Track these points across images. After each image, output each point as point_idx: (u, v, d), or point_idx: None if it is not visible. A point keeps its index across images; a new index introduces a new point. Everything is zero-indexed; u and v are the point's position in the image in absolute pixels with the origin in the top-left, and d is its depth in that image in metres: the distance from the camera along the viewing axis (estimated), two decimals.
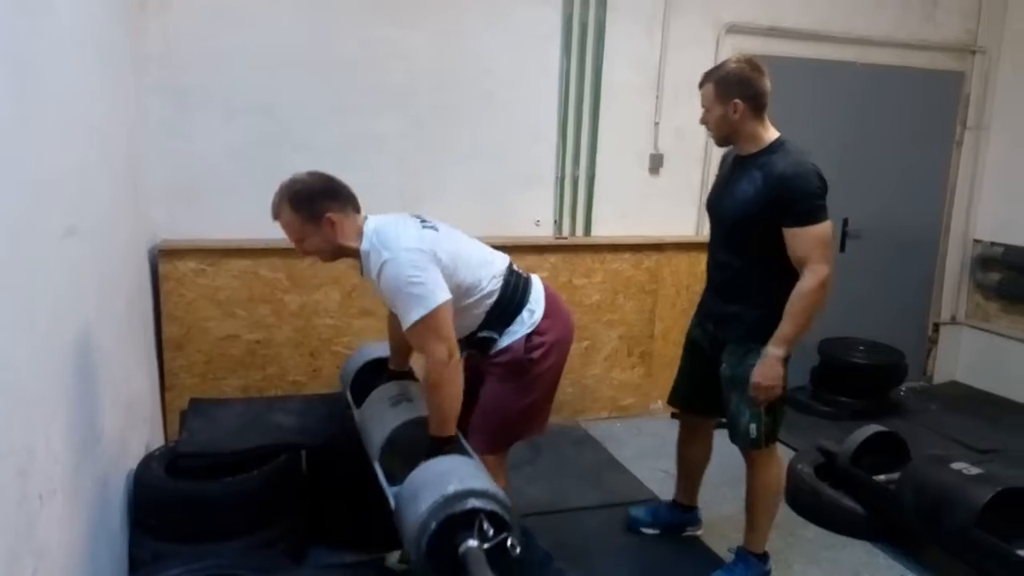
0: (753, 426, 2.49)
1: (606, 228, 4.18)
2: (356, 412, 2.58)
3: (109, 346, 2.28)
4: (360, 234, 2.17)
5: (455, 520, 1.73)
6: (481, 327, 2.29)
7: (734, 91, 2.37)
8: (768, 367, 2.38)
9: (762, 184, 2.35)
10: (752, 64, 2.41)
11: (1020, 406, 4.63)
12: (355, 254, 2.18)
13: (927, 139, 4.82)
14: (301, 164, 3.55)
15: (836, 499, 3.15)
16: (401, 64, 3.71)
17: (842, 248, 4.74)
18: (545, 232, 4.14)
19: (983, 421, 4.40)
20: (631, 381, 4.28)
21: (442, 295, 2.04)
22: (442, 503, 1.73)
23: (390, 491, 2.06)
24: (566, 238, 4.13)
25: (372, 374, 2.63)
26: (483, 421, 2.33)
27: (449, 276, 2.11)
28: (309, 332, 3.66)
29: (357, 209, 2.22)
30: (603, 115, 4.06)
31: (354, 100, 3.66)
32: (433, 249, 2.09)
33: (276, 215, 2.19)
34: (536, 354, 2.28)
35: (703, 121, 2.49)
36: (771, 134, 2.45)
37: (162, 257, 3.39)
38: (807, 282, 2.31)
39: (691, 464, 2.95)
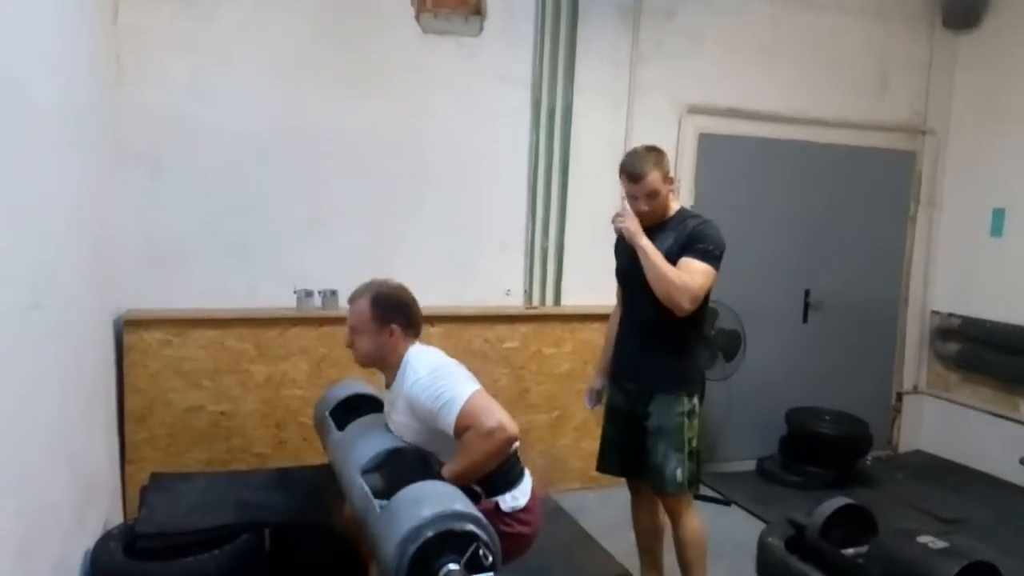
0: (679, 471, 2.64)
1: (576, 297, 4.24)
2: (335, 433, 2.52)
3: (70, 420, 2.24)
4: (403, 355, 2.28)
5: (451, 537, 1.69)
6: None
7: (668, 168, 2.69)
8: (631, 223, 2.59)
9: (674, 240, 2.63)
10: (659, 148, 2.71)
11: (983, 475, 4.69)
12: (390, 368, 2.30)
13: (883, 214, 5.00)
14: (270, 236, 3.65)
15: (805, 573, 3.13)
16: (371, 137, 3.80)
17: (804, 319, 4.85)
18: (515, 301, 4.18)
19: (948, 490, 4.44)
20: None
21: (472, 386, 2.10)
22: (446, 516, 1.70)
23: (375, 501, 1.96)
24: (536, 307, 4.18)
25: (355, 408, 2.58)
26: None
27: None
28: (276, 403, 3.61)
29: (416, 336, 2.35)
30: (572, 188, 4.16)
31: (325, 171, 3.72)
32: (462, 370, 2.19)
33: (353, 299, 2.33)
34: (503, 527, 2.11)
35: (645, 208, 2.63)
36: (677, 204, 2.76)
37: (128, 327, 3.36)
38: (685, 277, 2.55)
39: (648, 532, 2.96)
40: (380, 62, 3.78)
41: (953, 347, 4.98)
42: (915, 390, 5.20)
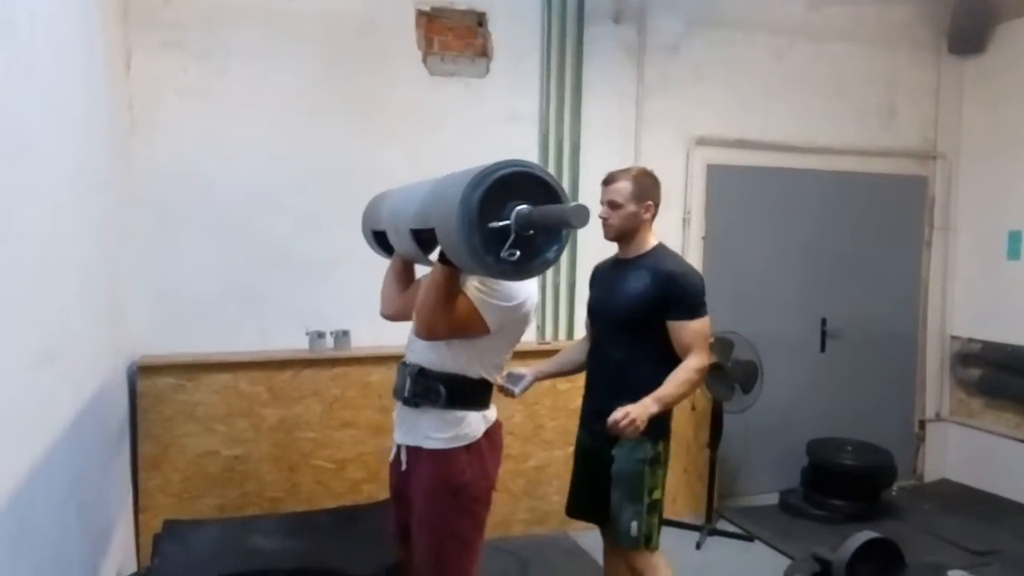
0: (634, 524, 2.47)
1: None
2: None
3: (82, 471, 2.23)
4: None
5: (514, 180, 1.64)
6: (440, 374, 2.08)
7: (649, 194, 2.54)
8: (640, 407, 2.36)
9: (651, 281, 2.49)
10: (655, 176, 2.60)
11: (1013, 504, 4.57)
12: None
13: (898, 240, 4.97)
14: (279, 278, 3.67)
15: None
16: (381, 179, 3.79)
17: (822, 348, 4.79)
18: (528, 337, 4.14)
19: (977, 521, 4.33)
20: None
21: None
22: (507, 162, 1.66)
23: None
24: (549, 343, 4.15)
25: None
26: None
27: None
28: (289, 446, 3.59)
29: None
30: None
31: (335, 214, 3.73)
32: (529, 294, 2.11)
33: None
34: (470, 475, 2.08)
35: (605, 216, 2.56)
36: (655, 239, 2.61)
37: (141, 373, 3.36)
38: (694, 361, 2.45)
39: None
40: (388, 105, 3.83)
41: (975, 372, 4.90)
42: (938, 417, 5.10)
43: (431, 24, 3.90)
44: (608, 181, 2.57)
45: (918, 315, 5.04)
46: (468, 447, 2.07)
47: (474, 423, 2.09)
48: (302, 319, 3.68)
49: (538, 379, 2.80)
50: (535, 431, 4.03)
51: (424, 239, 1.98)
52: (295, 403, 3.60)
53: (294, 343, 3.66)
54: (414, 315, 2.03)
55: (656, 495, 2.52)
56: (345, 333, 3.69)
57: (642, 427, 2.33)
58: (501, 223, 1.62)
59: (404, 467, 2.13)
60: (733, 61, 4.47)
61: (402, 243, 2.07)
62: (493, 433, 2.16)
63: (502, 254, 1.62)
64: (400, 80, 3.84)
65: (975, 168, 4.95)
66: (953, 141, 5.00)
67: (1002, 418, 4.78)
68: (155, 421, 3.39)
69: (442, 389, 2.05)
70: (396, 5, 3.84)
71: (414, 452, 2.11)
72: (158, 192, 3.48)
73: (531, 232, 1.65)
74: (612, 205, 2.53)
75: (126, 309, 3.22)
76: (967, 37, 4.81)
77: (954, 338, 5.05)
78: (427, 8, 3.88)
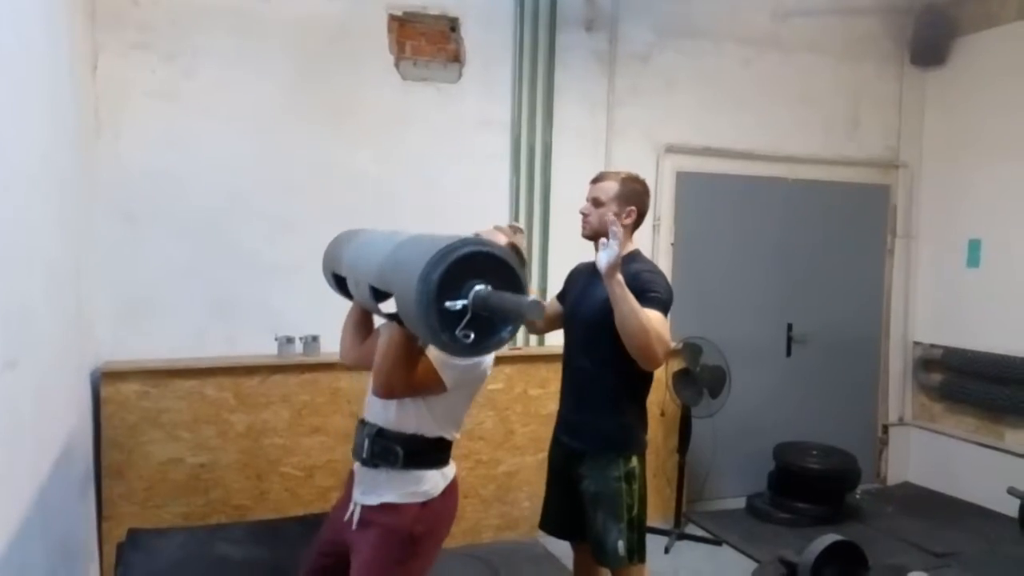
0: (621, 543, 2.41)
1: (560, 337, 4.21)
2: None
3: (44, 478, 2.18)
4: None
5: (475, 259, 1.61)
6: (397, 435, 2.07)
7: (634, 199, 2.50)
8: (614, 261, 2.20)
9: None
10: (646, 185, 2.57)
11: (972, 506, 4.67)
12: None
13: (861, 248, 5.07)
14: (248, 282, 3.63)
15: None
16: (351, 183, 3.82)
17: (788, 353, 4.86)
18: None
19: (938, 523, 4.42)
20: None
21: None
22: (469, 240, 1.63)
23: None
24: (521, 349, 4.16)
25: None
26: None
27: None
28: (256, 453, 3.55)
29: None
30: (553, 229, 4.19)
31: (304, 218, 3.71)
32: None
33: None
34: (421, 529, 2.06)
35: (586, 211, 2.52)
36: (632, 246, 2.55)
37: (105, 380, 3.30)
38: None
39: None
40: (360, 109, 3.82)
41: (936, 377, 5.01)
42: (901, 421, 5.20)
43: (403, 29, 3.89)
44: (597, 179, 2.55)
45: (881, 321, 5.15)
46: (423, 504, 2.06)
47: (431, 480, 2.09)
48: (271, 324, 3.64)
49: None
50: (506, 436, 4.03)
51: (383, 296, 1.98)
52: (263, 409, 3.56)
53: (263, 348, 3.62)
54: (373, 374, 2.02)
55: (635, 512, 2.45)
56: (315, 338, 3.66)
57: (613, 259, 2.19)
58: (458, 303, 1.61)
59: (355, 527, 2.09)
60: (702, 70, 4.53)
61: (362, 296, 2.07)
62: (450, 491, 2.16)
63: (457, 333, 1.63)
64: (372, 84, 3.83)
65: (936, 177, 5.07)
66: (915, 151, 5.12)
67: (962, 422, 4.89)
68: (119, 428, 3.33)
69: (399, 450, 2.04)
70: (368, 9, 3.83)
71: (369, 509, 2.09)
72: (124, 195, 3.43)
73: (486, 313, 1.64)
74: (595, 202, 2.50)
75: (90, 313, 3.16)
76: (928, 50, 4.93)
77: (916, 344, 5.16)
78: (399, 13, 3.88)
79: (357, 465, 2.15)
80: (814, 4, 4.69)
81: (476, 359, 2.05)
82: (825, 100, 4.86)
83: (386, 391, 1.98)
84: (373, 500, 2.07)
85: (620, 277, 2.22)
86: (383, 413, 2.08)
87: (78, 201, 2.94)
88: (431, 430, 2.09)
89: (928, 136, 5.12)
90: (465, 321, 1.62)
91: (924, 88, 5.09)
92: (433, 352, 1.99)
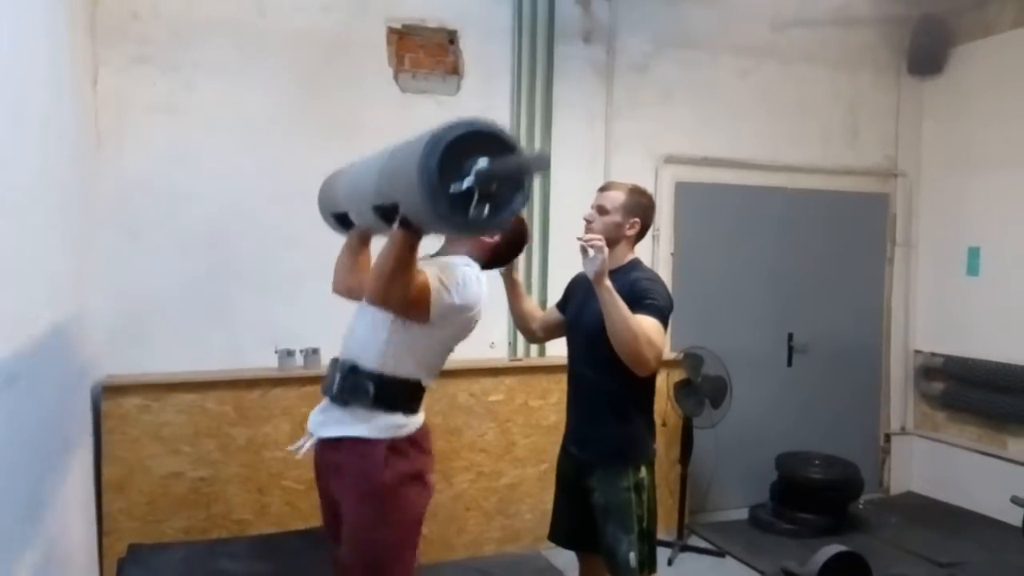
0: (632, 555, 2.40)
1: (561, 348, 4.20)
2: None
3: (44, 493, 2.17)
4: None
5: (468, 140, 1.59)
6: (371, 373, 2.05)
7: (639, 211, 2.51)
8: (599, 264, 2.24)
9: (617, 289, 2.36)
10: (652, 199, 2.59)
11: (975, 515, 4.65)
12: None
13: (861, 256, 5.07)
14: (246, 295, 3.63)
15: None
16: None
17: (789, 363, 4.86)
18: (500, 354, 4.16)
19: (942, 533, 4.40)
20: None
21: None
22: (456, 123, 1.62)
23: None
24: (521, 360, 4.15)
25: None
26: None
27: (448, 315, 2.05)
28: (257, 467, 3.54)
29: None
30: (552, 240, 4.19)
31: (305, 231, 3.68)
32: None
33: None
34: (393, 475, 2.01)
35: (590, 218, 2.52)
36: (632, 256, 2.56)
37: (105, 394, 3.29)
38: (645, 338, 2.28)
39: None
40: (359, 122, 3.82)
41: (938, 386, 5.00)
42: (903, 431, 5.19)
43: (402, 42, 3.91)
44: (604, 188, 2.57)
45: (882, 330, 5.14)
46: (391, 445, 2.02)
47: (398, 421, 2.05)
48: (271, 337, 3.63)
49: (514, 273, 2.71)
50: (507, 448, 4.02)
51: (389, 213, 1.95)
52: (264, 423, 3.55)
53: (263, 361, 3.61)
54: (369, 279, 1.96)
55: (645, 523, 2.45)
56: (315, 351, 3.65)
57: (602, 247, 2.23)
58: (463, 184, 1.61)
59: (301, 455, 2.09)
60: (700, 81, 4.54)
61: (366, 220, 2.06)
62: (421, 437, 2.10)
63: (470, 215, 1.62)
64: (371, 97, 3.84)
65: (935, 186, 5.08)
66: (913, 160, 5.13)
67: (965, 431, 4.88)
68: (120, 442, 3.32)
69: (371, 387, 2.01)
70: (367, 22, 3.84)
71: (332, 445, 2.05)
72: (125, 208, 3.43)
73: (494, 187, 1.64)
74: (600, 210, 2.51)
75: (91, 327, 3.15)
76: (926, 59, 4.95)
77: (917, 352, 5.15)
78: (398, 26, 3.89)
79: (324, 401, 2.12)
80: (811, 15, 4.71)
81: (467, 303, 2.06)
82: (823, 110, 4.88)
83: (381, 296, 1.92)
84: (332, 432, 2.04)
85: (609, 283, 2.24)
86: (362, 349, 2.07)
87: (79, 215, 2.95)
88: (408, 370, 2.06)
89: (926, 145, 5.13)
90: (475, 200, 1.62)
91: (922, 97, 5.11)
92: (433, 281, 1.99)
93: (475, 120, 1.68)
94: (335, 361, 2.14)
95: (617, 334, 2.25)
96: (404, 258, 1.87)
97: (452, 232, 1.75)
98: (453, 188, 1.60)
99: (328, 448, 2.10)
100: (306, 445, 2.11)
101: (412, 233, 1.83)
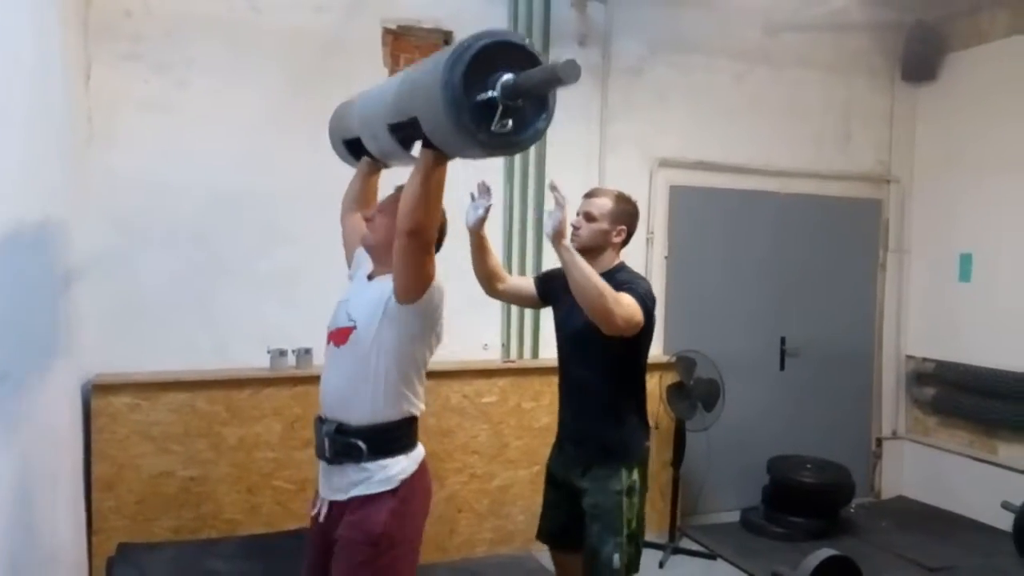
0: (616, 556, 2.40)
1: (553, 350, 4.20)
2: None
3: (34, 491, 2.16)
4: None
5: (492, 52, 1.56)
6: (357, 429, 2.01)
7: (625, 219, 2.54)
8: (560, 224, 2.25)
9: None
10: (637, 207, 2.62)
11: (966, 520, 4.66)
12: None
13: (853, 261, 5.09)
14: (238, 294, 3.62)
15: None
16: (340, 193, 3.77)
17: (782, 367, 4.87)
18: (493, 356, 4.15)
19: (933, 537, 4.41)
20: None
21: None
22: (481, 35, 1.59)
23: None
24: (514, 361, 4.15)
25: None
26: None
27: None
28: (248, 467, 3.52)
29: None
30: (546, 241, 4.16)
31: (297, 229, 3.71)
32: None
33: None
34: (395, 523, 1.99)
35: (577, 225, 2.53)
36: (618, 260, 2.57)
37: (96, 392, 3.28)
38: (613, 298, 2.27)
39: None
40: None
41: (929, 391, 5.01)
42: (894, 435, 5.20)
43: (397, 42, 3.91)
44: (591, 194, 2.58)
45: (874, 335, 5.16)
46: (394, 492, 2.00)
47: (399, 465, 2.03)
48: (263, 336, 3.62)
49: (480, 230, 2.70)
50: (500, 450, 4.01)
51: (403, 135, 1.91)
52: (255, 422, 3.54)
53: (255, 361, 3.60)
54: (400, 213, 1.90)
55: (633, 526, 2.46)
56: (307, 351, 3.64)
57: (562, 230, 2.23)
58: (488, 95, 1.57)
59: (322, 519, 2.07)
60: (695, 85, 4.55)
61: (380, 142, 2.02)
62: (420, 476, 2.09)
63: (493, 128, 1.59)
64: None
65: (927, 192, 5.10)
66: (906, 165, 5.15)
67: (956, 436, 4.90)
68: (109, 441, 3.30)
69: (362, 445, 1.98)
70: (362, 22, 3.84)
71: (339, 506, 2.05)
72: (116, 205, 3.41)
73: (519, 102, 1.61)
74: (587, 217, 2.52)
75: (81, 325, 3.14)
76: (919, 66, 4.97)
77: (909, 357, 5.17)
78: (394, 26, 3.89)
79: (322, 463, 2.11)
80: (805, 20, 4.73)
81: (441, 308, 2.10)
82: (816, 115, 4.89)
83: (413, 223, 1.86)
84: (342, 496, 2.03)
85: (568, 243, 2.25)
86: (343, 404, 2.03)
87: (69, 211, 2.93)
88: (399, 410, 2.04)
89: (919, 151, 5.15)
90: (499, 114, 1.59)
91: (915, 103, 5.13)
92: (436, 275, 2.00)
93: (499, 32, 1.65)
94: (320, 421, 2.09)
95: (581, 291, 2.21)
96: (431, 180, 1.81)
97: (473, 150, 1.67)
98: (479, 97, 1.57)
99: (333, 508, 2.08)
100: (324, 510, 2.09)
101: (439, 153, 1.77)
